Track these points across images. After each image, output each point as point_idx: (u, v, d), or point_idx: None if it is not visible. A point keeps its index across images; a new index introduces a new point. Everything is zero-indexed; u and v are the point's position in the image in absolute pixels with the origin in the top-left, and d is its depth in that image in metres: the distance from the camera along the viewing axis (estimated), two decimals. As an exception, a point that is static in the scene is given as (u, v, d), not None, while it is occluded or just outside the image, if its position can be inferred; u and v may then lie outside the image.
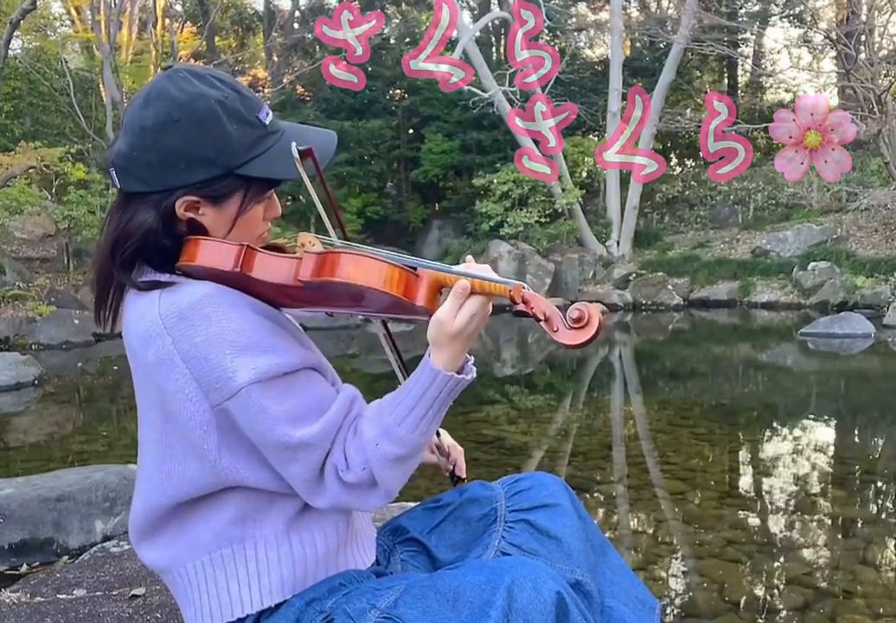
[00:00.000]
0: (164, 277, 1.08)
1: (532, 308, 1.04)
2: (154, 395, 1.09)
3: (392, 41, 22.82)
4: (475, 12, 23.11)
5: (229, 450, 1.08)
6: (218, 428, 1.06)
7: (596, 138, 18.93)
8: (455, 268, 1.09)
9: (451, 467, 1.45)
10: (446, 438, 1.47)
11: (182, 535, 1.15)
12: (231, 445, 1.08)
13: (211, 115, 1.05)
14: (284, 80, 21.51)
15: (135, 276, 1.10)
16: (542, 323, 1.04)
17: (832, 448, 4.96)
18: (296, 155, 1.06)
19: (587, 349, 10.64)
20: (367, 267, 1.03)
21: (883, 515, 3.58)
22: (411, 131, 21.60)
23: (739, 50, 20.50)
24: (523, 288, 1.05)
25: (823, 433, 5.50)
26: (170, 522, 1.16)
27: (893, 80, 14.63)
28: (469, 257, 1.16)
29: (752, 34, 21.41)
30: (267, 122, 1.09)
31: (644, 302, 13.87)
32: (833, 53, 18.01)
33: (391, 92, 22.24)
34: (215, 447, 1.08)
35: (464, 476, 1.46)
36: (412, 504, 2.54)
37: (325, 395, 1.09)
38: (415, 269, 1.07)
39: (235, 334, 1.02)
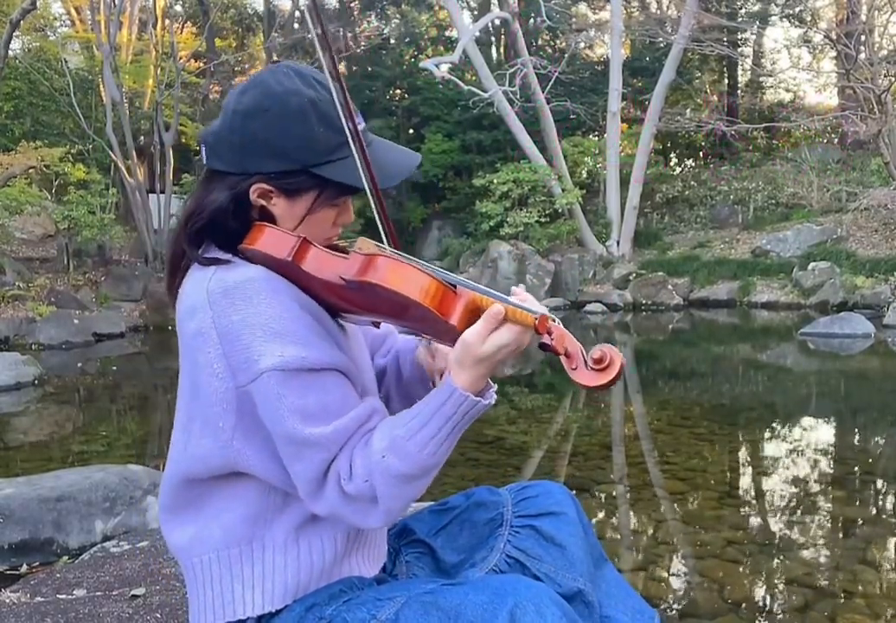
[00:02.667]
0: (226, 256, 1.10)
1: (553, 340, 1.01)
2: (189, 368, 1.10)
3: (392, 41, 22.83)
4: (475, 12, 23.11)
5: (243, 434, 1.08)
6: (238, 409, 1.07)
7: (596, 138, 18.92)
8: (497, 292, 1.05)
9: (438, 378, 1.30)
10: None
11: (194, 525, 1.15)
12: (247, 430, 1.08)
13: (300, 112, 1.08)
14: (284, 80, 21.46)
15: (202, 251, 1.13)
16: (562, 357, 1.02)
17: (832, 448, 4.96)
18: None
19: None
20: (406, 274, 1.02)
21: (883, 515, 3.58)
22: (411, 131, 21.60)
23: (739, 50, 20.51)
24: (551, 320, 1.02)
25: (823, 433, 5.50)
26: (185, 504, 1.16)
27: (893, 80, 14.63)
28: (518, 289, 1.12)
29: (752, 34, 21.43)
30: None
31: (644, 302, 13.87)
32: (833, 53, 18.01)
33: (391, 92, 22.24)
34: (230, 427, 1.08)
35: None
36: (412, 504, 2.54)
37: (348, 400, 1.08)
38: (455, 286, 1.05)
39: (271, 320, 1.03)
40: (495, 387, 1.10)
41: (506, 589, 1.03)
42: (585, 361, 1.02)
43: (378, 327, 1.33)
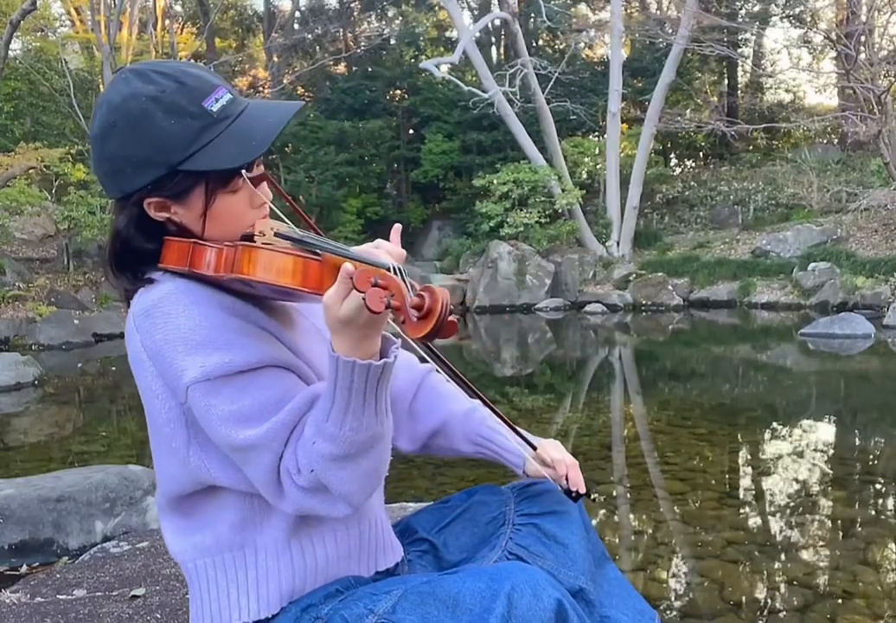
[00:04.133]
0: (156, 275, 1.09)
1: (368, 296, 0.88)
2: (141, 394, 1.10)
3: (392, 41, 22.85)
4: (475, 12, 23.12)
5: (200, 447, 1.07)
6: (187, 425, 1.06)
7: (596, 138, 18.94)
8: (353, 249, 0.99)
9: (564, 482, 1.32)
10: (552, 453, 1.34)
11: (188, 533, 1.16)
12: (202, 443, 1.07)
13: (143, 114, 1.01)
14: (284, 81, 21.54)
15: (134, 275, 1.11)
16: (392, 311, 0.91)
17: (832, 448, 4.96)
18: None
19: (586, 348, 10.66)
20: (263, 261, 0.97)
21: (883, 515, 3.58)
22: (411, 131, 21.62)
23: (739, 50, 20.52)
24: (385, 272, 0.91)
25: (823, 433, 5.50)
26: (177, 516, 1.17)
27: (893, 80, 14.64)
28: (397, 225, 1.07)
29: (752, 34, 21.43)
30: (214, 110, 1.02)
31: (644, 302, 13.86)
32: (833, 54, 18.01)
33: (391, 92, 22.26)
34: (183, 445, 1.07)
35: (581, 490, 1.31)
36: (412, 505, 2.54)
37: (289, 394, 1.04)
38: (319, 255, 0.98)
39: (190, 332, 1.01)
40: (398, 342, 1.03)
41: (502, 574, 1.02)
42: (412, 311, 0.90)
43: None
